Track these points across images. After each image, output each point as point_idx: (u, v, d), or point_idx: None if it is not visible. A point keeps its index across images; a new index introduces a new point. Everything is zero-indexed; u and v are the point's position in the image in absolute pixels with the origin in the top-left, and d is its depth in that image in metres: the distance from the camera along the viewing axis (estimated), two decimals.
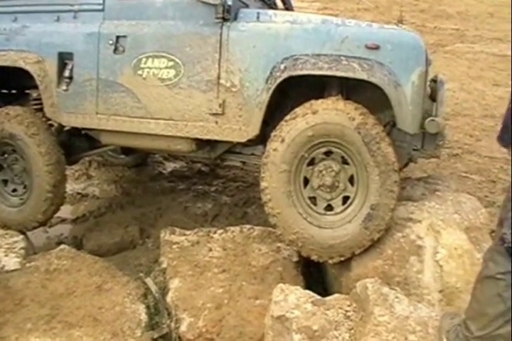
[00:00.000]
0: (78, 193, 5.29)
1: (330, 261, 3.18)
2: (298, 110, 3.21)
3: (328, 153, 3.21)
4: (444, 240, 3.06)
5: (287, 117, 3.23)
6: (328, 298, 2.86)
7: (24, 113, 4.04)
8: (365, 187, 3.10)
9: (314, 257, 3.20)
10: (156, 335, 3.08)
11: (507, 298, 2.13)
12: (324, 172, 3.20)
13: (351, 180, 3.18)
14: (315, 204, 3.26)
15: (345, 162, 3.19)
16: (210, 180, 5.49)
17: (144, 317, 3.16)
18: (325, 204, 3.24)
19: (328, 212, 3.23)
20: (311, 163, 3.23)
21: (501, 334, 2.16)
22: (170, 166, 5.79)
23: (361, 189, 3.12)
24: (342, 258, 3.15)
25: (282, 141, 3.18)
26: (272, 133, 3.26)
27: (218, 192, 5.23)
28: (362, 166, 3.09)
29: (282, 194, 3.20)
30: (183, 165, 5.79)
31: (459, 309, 2.73)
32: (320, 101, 3.20)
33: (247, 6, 3.64)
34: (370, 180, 3.07)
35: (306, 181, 3.26)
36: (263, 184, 3.26)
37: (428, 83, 3.43)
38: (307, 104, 3.20)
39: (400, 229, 3.18)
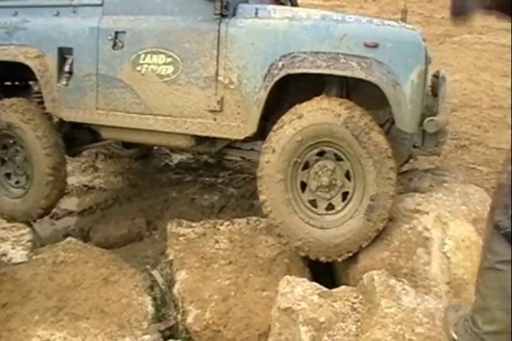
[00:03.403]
0: (85, 185, 5.31)
1: (339, 259, 3.17)
2: (284, 117, 3.20)
3: (320, 154, 3.20)
4: (452, 232, 3.05)
5: (275, 127, 3.22)
6: (334, 290, 2.85)
7: (19, 102, 4.11)
8: (362, 180, 3.08)
9: (323, 258, 3.19)
10: (162, 327, 3.08)
11: (510, 288, 2.10)
12: (320, 172, 3.18)
13: (348, 175, 3.17)
14: (315, 206, 3.24)
15: (339, 158, 3.17)
16: (217, 171, 5.49)
17: (150, 309, 3.17)
18: (325, 205, 3.23)
19: (330, 212, 3.21)
20: (306, 166, 3.22)
21: (509, 326, 2.13)
22: (176, 158, 5.80)
23: (358, 182, 3.10)
24: (350, 254, 3.14)
25: (273, 151, 3.17)
26: (263, 146, 3.26)
27: (225, 184, 5.24)
28: (355, 160, 3.07)
29: (281, 203, 3.19)
30: (190, 157, 5.79)
31: (466, 300, 2.72)
32: (304, 104, 3.18)
33: (246, 0, 3.60)
34: (365, 172, 3.04)
35: (304, 185, 3.25)
36: (262, 197, 3.25)
37: (430, 78, 3.41)
38: (292, 110, 3.19)
39: (407, 220, 3.17)
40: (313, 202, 3.25)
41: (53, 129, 4.10)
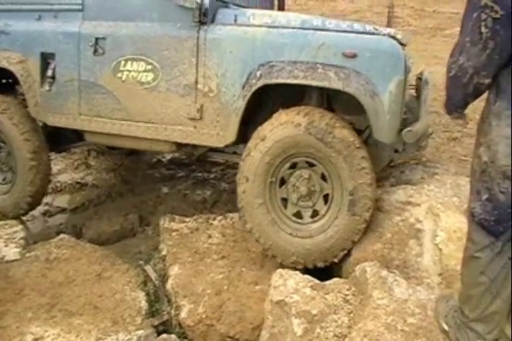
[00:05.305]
0: (77, 182, 5.30)
1: (335, 260, 3.16)
2: (249, 144, 3.21)
3: (293, 166, 3.19)
4: (443, 223, 3.05)
5: (243, 155, 3.23)
6: (327, 282, 2.86)
7: None
8: (337, 178, 3.06)
9: (320, 264, 3.17)
10: (156, 322, 3.09)
11: (489, 273, 2.10)
12: (297, 183, 3.18)
13: (324, 177, 3.16)
14: (301, 217, 3.24)
15: (311, 164, 3.16)
16: (209, 167, 5.49)
17: (144, 304, 3.17)
18: (310, 213, 3.22)
19: (315, 218, 3.21)
20: (282, 182, 3.22)
21: (494, 311, 2.15)
22: (169, 154, 5.78)
23: (335, 181, 3.09)
24: (345, 252, 3.13)
25: (247, 180, 3.18)
26: (236, 177, 3.27)
27: (217, 179, 5.24)
28: (326, 161, 3.06)
29: (267, 226, 3.19)
30: (182, 153, 5.77)
31: (458, 291, 2.72)
32: (265, 124, 3.19)
33: (226, 4, 3.56)
34: (339, 169, 3.04)
35: (285, 200, 3.24)
36: (247, 225, 3.25)
37: (414, 78, 3.38)
38: (255, 134, 3.20)
39: (399, 212, 3.18)
40: (298, 214, 3.24)
41: (29, 116, 4.09)
